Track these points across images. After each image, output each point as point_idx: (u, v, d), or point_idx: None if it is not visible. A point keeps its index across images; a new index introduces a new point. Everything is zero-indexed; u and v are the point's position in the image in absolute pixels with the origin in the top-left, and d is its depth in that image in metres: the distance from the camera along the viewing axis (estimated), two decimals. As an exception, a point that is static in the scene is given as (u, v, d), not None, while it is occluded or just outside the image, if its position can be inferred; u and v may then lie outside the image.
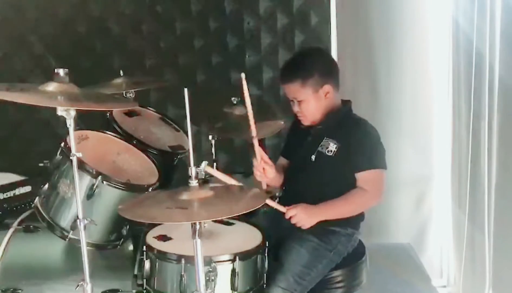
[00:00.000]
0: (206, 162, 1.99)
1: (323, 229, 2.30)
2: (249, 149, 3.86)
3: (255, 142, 2.30)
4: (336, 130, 2.34)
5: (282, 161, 2.60)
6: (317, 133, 2.39)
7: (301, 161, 2.42)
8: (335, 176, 2.33)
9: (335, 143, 2.32)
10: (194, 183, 1.89)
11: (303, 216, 2.23)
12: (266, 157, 2.34)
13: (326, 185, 2.31)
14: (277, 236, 2.32)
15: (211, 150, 3.06)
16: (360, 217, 2.42)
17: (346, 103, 2.45)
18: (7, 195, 2.89)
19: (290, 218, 2.24)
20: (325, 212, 2.27)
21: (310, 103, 2.34)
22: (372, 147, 2.32)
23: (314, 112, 2.36)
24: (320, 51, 2.55)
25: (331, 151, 2.32)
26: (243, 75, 2.16)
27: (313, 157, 2.35)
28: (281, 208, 2.26)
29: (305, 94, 2.33)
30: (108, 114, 2.85)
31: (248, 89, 2.22)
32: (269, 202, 2.27)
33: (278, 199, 2.58)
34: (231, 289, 2.03)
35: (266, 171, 2.34)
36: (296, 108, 2.38)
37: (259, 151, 2.32)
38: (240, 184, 2.22)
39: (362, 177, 2.29)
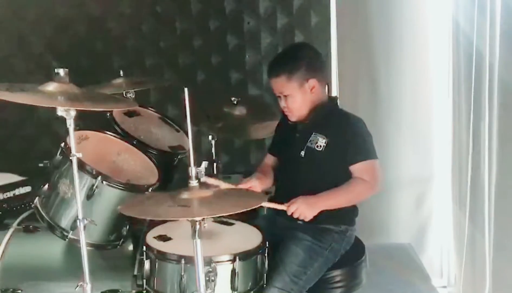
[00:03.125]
0: (206, 162, 1.99)
1: (316, 227, 2.31)
2: (249, 149, 3.89)
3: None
4: (324, 125, 2.35)
5: (270, 159, 2.60)
6: (304, 129, 2.40)
7: (290, 157, 2.43)
8: (325, 171, 2.34)
9: (324, 138, 2.33)
10: (194, 183, 1.89)
11: (304, 208, 2.22)
12: (248, 184, 2.35)
13: (317, 180, 2.33)
14: (273, 236, 2.31)
15: (211, 150, 3.06)
16: (353, 212, 2.43)
17: (332, 99, 2.48)
18: (7, 195, 2.89)
19: (292, 213, 2.24)
20: (325, 200, 2.27)
21: (296, 98, 2.35)
22: (363, 138, 2.34)
23: (300, 107, 2.37)
24: (306, 46, 2.56)
25: (320, 146, 2.33)
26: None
27: (302, 153, 2.36)
28: (281, 207, 2.26)
29: (291, 88, 2.34)
30: (108, 114, 2.85)
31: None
32: (266, 204, 2.27)
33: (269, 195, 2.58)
34: (231, 289, 2.03)
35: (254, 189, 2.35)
36: (282, 104, 2.40)
37: (242, 188, 2.33)
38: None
39: (357, 168, 2.30)
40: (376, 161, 2.33)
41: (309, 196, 2.26)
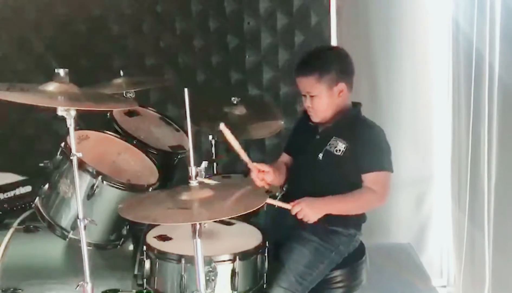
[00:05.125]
0: (206, 162, 1.99)
1: (325, 229, 2.30)
2: (249, 149, 3.89)
3: (250, 165, 2.28)
4: (345, 131, 2.33)
5: (285, 157, 2.58)
6: (325, 132, 2.38)
7: (307, 159, 2.40)
8: (341, 176, 2.32)
9: (343, 143, 2.31)
10: (194, 183, 1.89)
11: (308, 211, 2.21)
12: (262, 167, 2.30)
13: (331, 184, 2.31)
14: (278, 236, 2.32)
15: (211, 149, 3.06)
16: (362, 218, 2.42)
17: (356, 105, 2.45)
18: (7, 195, 2.90)
19: (296, 213, 2.22)
20: (331, 205, 2.25)
21: (323, 99, 2.33)
22: (381, 148, 2.32)
23: (325, 109, 2.35)
24: (339, 50, 2.55)
25: (339, 150, 2.31)
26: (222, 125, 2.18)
27: (320, 156, 2.34)
28: (286, 205, 2.24)
29: (319, 89, 2.31)
30: (108, 114, 2.85)
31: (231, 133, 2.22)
32: (271, 201, 2.26)
33: (278, 198, 2.57)
34: (231, 289, 2.03)
35: (266, 178, 2.31)
36: (307, 103, 2.37)
37: (255, 167, 2.29)
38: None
39: (369, 178, 2.29)
40: (389, 173, 2.31)
41: (315, 199, 2.24)
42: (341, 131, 2.34)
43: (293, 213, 2.22)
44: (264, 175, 2.29)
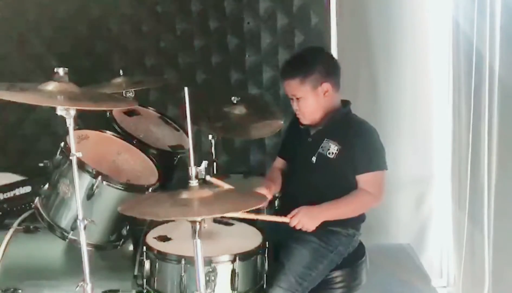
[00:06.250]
0: (206, 162, 1.99)
1: (324, 229, 2.30)
2: (249, 149, 3.89)
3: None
4: (337, 132, 2.34)
5: (279, 162, 2.59)
6: (317, 135, 2.38)
7: (301, 162, 2.41)
8: (335, 178, 2.32)
9: (336, 145, 2.31)
10: (194, 182, 1.89)
11: (306, 220, 2.22)
12: (264, 192, 2.30)
13: (326, 187, 2.31)
14: (278, 236, 2.31)
15: (211, 149, 3.06)
16: (361, 218, 2.42)
17: (345, 104, 2.45)
18: (7, 195, 2.89)
19: (295, 225, 2.23)
20: (327, 211, 2.26)
21: (309, 101, 2.34)
22: (373, 148, 2.32)
23: (312, 110, 2.36)
24: (322, 51, 2.56)
25: (332, 153, 2.31)
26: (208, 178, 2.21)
27: (314, 159, 2.35)
28: (283, 219, 2.25)
29: (303, 91, 2.32)
30: (108, 113, 2.84)
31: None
32: (268, 217, 2.28)
33: (277, 199, 2.57)
34: (231, 289, 2.03)
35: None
36: (295, 106, 2.38)
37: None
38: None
39: (365, 179, 2.29)
40: (383, 172, 2.32)
41: (311, 207, 2.25)
42: (333, 133, 2.34)
43: (292, 225, 2.23)
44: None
